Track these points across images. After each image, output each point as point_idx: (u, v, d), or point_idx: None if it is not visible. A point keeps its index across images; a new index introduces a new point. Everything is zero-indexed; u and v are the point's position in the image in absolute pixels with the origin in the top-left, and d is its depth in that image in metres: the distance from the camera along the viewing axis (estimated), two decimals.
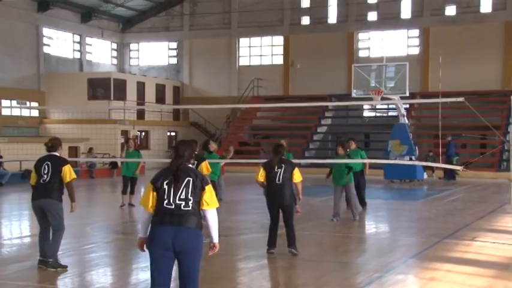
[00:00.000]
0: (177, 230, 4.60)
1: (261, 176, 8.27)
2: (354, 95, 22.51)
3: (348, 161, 11.73)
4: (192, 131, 33.35)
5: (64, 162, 7.54)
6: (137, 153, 14.00)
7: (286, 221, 8.28)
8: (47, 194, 7.42)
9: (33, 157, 20.45)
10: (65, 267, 7.44)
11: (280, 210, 8.31)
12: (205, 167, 10.43)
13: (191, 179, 4.70)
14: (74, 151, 26.91)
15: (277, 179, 8.16)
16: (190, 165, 4.82)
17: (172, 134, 32.89)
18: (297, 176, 8.29)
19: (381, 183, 20.98)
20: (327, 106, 30.32)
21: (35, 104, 29.15)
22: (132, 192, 13.71)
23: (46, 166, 7.43)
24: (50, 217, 7.47)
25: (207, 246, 4.86)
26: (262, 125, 32.08)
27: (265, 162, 8.42)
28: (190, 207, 4.66)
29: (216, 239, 4.85)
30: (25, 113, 29.19)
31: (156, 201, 4.70)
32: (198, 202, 4.71)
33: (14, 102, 28.30)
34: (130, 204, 13.62)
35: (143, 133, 31.12)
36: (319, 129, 30.76)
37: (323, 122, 31.17)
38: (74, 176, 7.52)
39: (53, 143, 7.60)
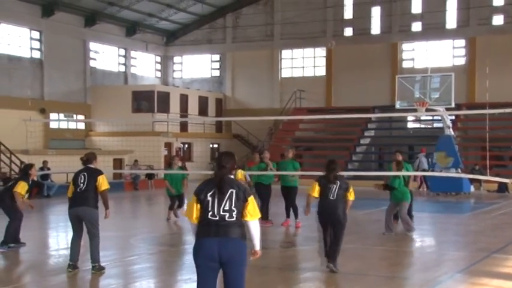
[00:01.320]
0: (222, 241, 4.69)
1: (316, 191, 8.26)
2: (397, 106, 22.25)
3: (398, 173, 11.49)
4: (235, 143, 33.55)
5: (99, 172, 8.04)
6: (181, 169, 14.07)
7: (335, 237, 8.25)
8: (83, 201, 7.84)
9: (79, 169, 20.93)
10: (103, 268, 7.97)
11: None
12: (240, 174, 10.50)
13: (234, 191, 4.79)
14: (118, 163, 27.46)
15: (331, 195, 8.18)
16: (232, 177, 4.90)
17: (215, 146, 33.16)
18: (352, 195, 8.35)
19: (425, 196, 20.60)
20: (370, 118, 30.04)
21: (81, 117, 29.91)
22: (180, 206, 13.67)
23: (82, 176, 7.93)
24: (87, 224, 7.87)
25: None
26: (305, 137, 32.00)
27: (319, 177, 8.42)
28: (234, 218, 4.75)
29: (258, 247, 4.94)
30: (72, 125, 29.98)
31: (201, 213, 4.79)
32: (241, 213, 4.79)
33: (62, 116, 29.10)
34: (176, 216, 13.68)
35: (186, 145, 31.49)
36: (362, 141, 30.47)
37: (366, 133, 30.87)
38: (107, 185, 7.97)
39: (88, 157, 8.14)
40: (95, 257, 7.93)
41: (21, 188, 9.68)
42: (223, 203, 4.75)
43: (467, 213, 16.68)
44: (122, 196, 21.08)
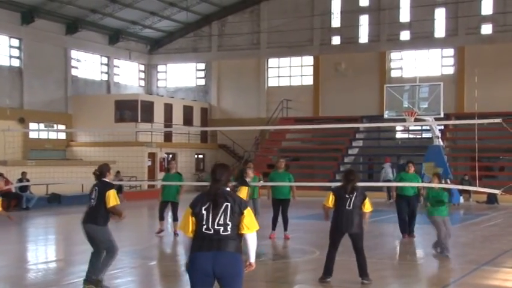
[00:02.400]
0: (216, 254, 4.70)
1: (331, 202, 8.33)
2: (386, 116, 22.39)
3: (402, 184, 11.45)
4: (220, 153, 33.51)
5: (109, 186, 7.87)
6: (178, 176, 13.50)
7: (358, 249, 8.30)
8: (92, 219, 7.76)
9: (59, 180, 20.83)
10: (98, 285, 7.72)
11: (350, 238, 8.36)
12: (244, 192, 10.28)
13: (229, 204, 4.80)
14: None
15: (347, 204, 8.23)
16: (228, 189, 4.92)
17: (200, 156, 33.10)
18: (368, 206, 8.39)
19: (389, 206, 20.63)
20: (358, 128, 30.17)
21: (62, 127, 29.70)
22: (175, 219, 12.98)
23: (94, 191, 7.86)
24: (97, 242, 7.83)
25: None
26: (292, 147, 32.06)
27: (335, 188, 8.50)
28: (229, 232, 4.76)
29: (252, 259, 4.97)
30: (52, 136, 29.72)
31: (195, 226, 4.80)
32: (237, 226, 4.81)
33: (42, 125, 28.88)
34: (176, 234, 12.96)
35: (170, 156, 31.39)
36: (350, 151, 30.58)
37: (354, 143, 30.99)
38: (116, 201, 7.80)
39: (101, 170, 7.98)
40: (97, 270, 7.77)
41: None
42: (218, 216, 4.76)
43: (456, 225, 16.71)
44: None
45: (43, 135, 28.98)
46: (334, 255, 8.36)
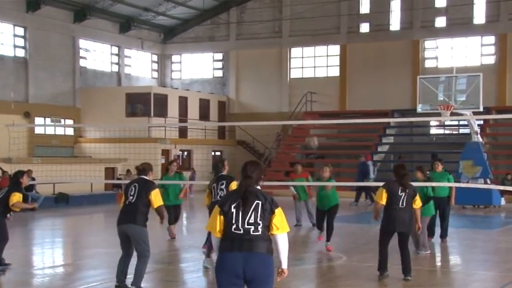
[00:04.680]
0: (247, 256, 4.77)
1: (384, 198, 8.54)
2: (419, 110, 22.21)
3: (428, 184, 11.38)
4: (239, 150, 33.56)
5: (153, 185, 8.01)
6: (178, 176, 13.51)
7: (404, 249, 8.67)
8: (131, 218, 7.81)
9: (67, 179, 21.03)
10: None
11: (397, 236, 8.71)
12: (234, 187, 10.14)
13: (260, 202, 4.87)
14: (110, 172, 27.50)
15: (400, 203, 8.44)
16: (259, 187, 4.99)
17: (217, 153, 33.19)
18: (418, 202, 8.68)
19: (451, 209, 20.48)
20: (389, 123, 29.97)
21: (69, 122, 29.98)
22: (175, 220, 13.19)
23: (133, 188, 7.93)
24: (134, 243, 7.89)
25: None
26: (316, 144, 31.95)
27: (387, 184, 8.69)
28: (259, 232, 4.82)
29: (285, 265, 5.01)
30: (59, 131, 30.01)
31: (224, 226, 4.86)
32: (267, 226, 4.87)
33: (48, 120, 29.18)
34: (173, 238, 13.18)
35: (185, 153, 31.52)
36: (380, 148, 30.42)
37: (384, 140, 30.81)
38: (161, 202, 7.99)
39: (144, 167, 8.14)
40: (136, 279, 7.89)
41: (17, 199, 9.56)
42: (248, 215, 4.83)
43: (497, 229, 16.59)
44: (114, 209, 21.07)
45: (50, 130, 29.27)
46: (386, 252, 8.74)
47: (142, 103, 30.30)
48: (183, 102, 32.04)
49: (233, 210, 4.84)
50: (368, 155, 25.03)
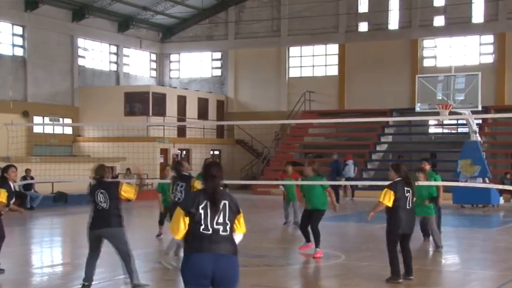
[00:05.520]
0: (217, 257, 4.78)
1: (391, 200, 8.32)
2: (418, 109, 22.22)
3: (427, 183, 11.39)
4: (237, 149, 33.56)
5: (116, 183, 8.29)
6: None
7: (406, 248, 8.64)
8: (107, 222, 8.06)
9: (66, 178, 21.03)
10: (148, 285, 8.34)
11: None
12: (198, 185, 9.57)
13: (227, 202, 4.91)
14: (109, 171, 27.45)
15: (407, 203, 8.35)
16: (221, 187, 5.02)
17: (216, 152, 33.18)
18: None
19: (449, 208, 20.53)
20: (388, 122, 29.98)
21: (68, 121, 29.96)
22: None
23: (101, 194, 8.09)
24: (116, 245, 8.11)
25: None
26: (315, 143, 31.98)
27: (392, 184, 8.46)
28: (228, 232, 4.88)
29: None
30: (58, 130, 29.98)
31: (191, 227, 4.85)
32: (232, 226, 4.93)
33: (47, 119, 29.15)
34: (160, 235, 13.37)
35: (184, 152, 31.51)
36: (378, 148, 30.43)
37: (383, 139, 30.83)
38: (132, 191, 8.23)
39: (101, 174, 8.30)
40: (133, 277, 8.14)
41: (1, 196, 9.44)
42: (217, 215, 4.84)
43: (496, 228, 16.61)
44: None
45: (48, 129, 29.24)
46: (397, 254, 8.57)
47: (140, 102, 30.29)
48: (181, 101, 32.03)
49: (201, 211, 4.83)
50: (349, 155, 25.25)
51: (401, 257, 8.70)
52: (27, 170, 21.40)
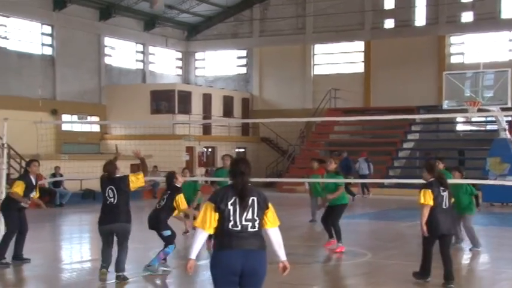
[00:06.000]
0: (246, 253, 4.80)
1: (431, 198, 8.08)
2: (445, 106, 22.00)
3: (459, 181, 11.24)
4: (262, 147, 33.56)
5: (125, 176, 8.64)
6: (193, 185, 13.63)
7: (447, 253, 8.28)
8: (117, 218, 8.44)
9: (93, 175, 21.19)
10: (128, 278, 8.60)
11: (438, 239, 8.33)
12: (181, 202, 9.33)
13: (255, 198, 4.91)
14: (136, 169, 27.62)
15: (443, 203, 8.16)
16: (250, 184, 5.02)
17: (241, 150, 33.22)
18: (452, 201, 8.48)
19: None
20: (414, 119, 29.73)
21: (95, 119, 30.26)
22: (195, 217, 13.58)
23: (110, 191, 8.46)
24: (121, 238, 8.56)
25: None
26: (340, 141, 31.83)
27: (430, 183, 8.24)
28: (256, 228, 4.88)
29: (284, 257, 5.03)
30: (86, 128, 30.35)
31: (219, 223, 4.85)
32: (261, 222, 4.93)
33: (75, 117, 29.48)
34: (194, 229, 13.60)
35: (209, 149, 31.62)
36: (405, 145, 30.19)
37: (410, 136, 30.57)
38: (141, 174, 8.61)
39: (110, 171, 8.64)
40: (121, 267, 8.54)
41: (17, 186, 9.66)
42: (246, 212, 4.85)
43: None
44: (141, 205, 21.27)
45: (76, 127, 29.61)
46: (431, 257, 8.34)
47: (166, 100, 30.46)
48: (206, 99, 32.14)
49: (230, 207, 4.84)
50: (364, 153, 25.04)
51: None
52: (56, 168, 21.68)
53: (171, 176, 9.54)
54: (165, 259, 9.28)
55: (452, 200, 8.49)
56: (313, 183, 14.78)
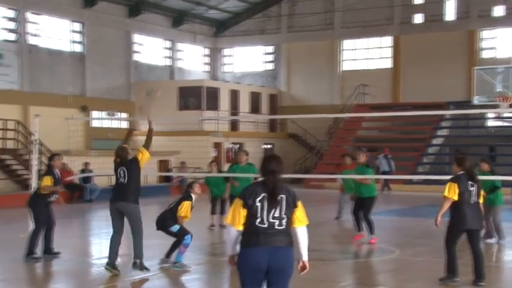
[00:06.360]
0: (272, 250, 4.80)
1: (456, 194, 7.94)
2: (475, 102, 21.75)
3: (489, 177, 11.11)
4: (290, 143, 33.52)
5: (134, 157, 8.91)
6: (221, 179, 13.83)
7: (476, 248, 8.11)
8: (124, 196, 8.65)
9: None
10: (148, 269, 8.68)
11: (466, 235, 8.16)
12: (185, 209, 9.17)
13: (284, 196, 4.91)
14: (164, 165, 27.88)
15: (472, 198, 8.02)
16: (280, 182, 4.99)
17: (269, 146, 33.22)
18: (483, 197, 8.29)
19: (510, 203, 19.99)
20: (444, 115, 29.38)
21: (124, 115, 30.54)
22: (222, 212, 13.60)
23: (122, 171, 8.76)
24: (130, 221, 8.69)
25: None
26: (369, 137, 31.63)
27: (458, 177, 8.08)
28: (284, 226, 4.87)
29: (306, 257, 5.04)
30: (115, 124, 30.62)
31: (246, 219, 4.86)
32: (290, 220, 4.92)
33: (104, 113, 29.80)
34: (222, 226, 13.53)
35: (237, 145, 31.69)
36: (434, 141, 29.86)
37: (439, 132, 30.22)
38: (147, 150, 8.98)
39: (121, 155, 8.96)
40: (138, 254, 8.68)
41: (46, 181, 9.89)
42: (274, 209, 4.85)
43: None
44: (167, 201, 21.45)
45: (105, 123, 29.91)
46: (455, 252, 8.14)
47: (194, 96, 30.58)
48: (234, 95, 32.19)
49: (258, 204, 4.84)
50: (386, 149, 24.74)
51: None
52: (86, 163, 21.94)
53: (189, 186, 9.61)
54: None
55: (482, 193, 8.31)
56: (346, 179, 14.68)
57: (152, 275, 8.77)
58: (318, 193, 24.31)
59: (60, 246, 10.43)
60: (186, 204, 9.18)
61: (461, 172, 8.08)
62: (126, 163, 8.81)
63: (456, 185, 7.96)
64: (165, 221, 9.21)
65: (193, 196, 9.38)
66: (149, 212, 14.72)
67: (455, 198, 7.94)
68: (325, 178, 23.08)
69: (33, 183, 10.80)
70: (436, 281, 8.36)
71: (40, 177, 10.42)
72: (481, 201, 8.18)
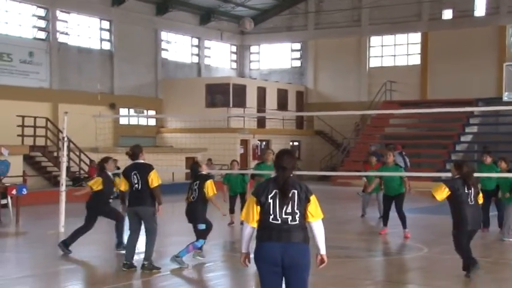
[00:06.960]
0: (285, 246, 4.84)
1: (444, 195, 8.14)
2: (505, 98, 21.43)
3: (498, 175, 11.11)
4: (317, 140, 33.42)
5: (150, 168, 8.81)
6: (241, 177, 14.02)
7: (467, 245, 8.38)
8: (141, 201, 8.70)
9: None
10: (159, 268, 8.73)
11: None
12: (210, 188, 9.29)
13: (296, 191, 4.92)
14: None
15: (469, 199, 8.15)
16: (292, 176, 5.00)
17: (295, 143, 33.17)
18: (481, 197, 8.39)
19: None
20: (473, 112, 29.01)
21: (152, 112, 30.78)
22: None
23: (135, 176, 8.73)
24: (145, 222, 8.80)
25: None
26: (396, 134, 31.35)
27: (452, 180, 8.26)
28: (297, 221, 4.89)
29: (323, 251, 5.03)
30: (142, 122, 30.90)
31: (261, 216, 4.92)
32: (303, 215, 4.92)
33: (132, 111, 30.06)
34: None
35: (264, 143, 31.70)
36: (463, 138, 29.50)
37: (468, 129, 29.85)
38: (158, 182, 8.72)
39: (134, 151, 8.98)
40: (148, 255, 8.77)
41: (93, 183, 10.28)
42: (286, 205, 4.88)
43: None
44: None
45: (133, 121, 30.17)
46: (469, 248, 8.29)
47: (221, 93, 30.67)
48: (261, 92, 32.20)
49: (270, 200, 4.88)
50: (398, 146, 24.33)
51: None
52: (114, 161, 22.05)
53: (195, 166, 9.60)
54: (200, 248, 9.34)
55: (481, 195, 8.40)
56: (370, 178, 14.63)
57: (178, 268, 8.86)
58: (345, 190, 24.20)
59: (90, 242, 10.58)
60: (209, 184, 9.25)
61: (457, 176, 8.21)
62: (139, 167, 8.83)
63: (447, 189, 8.12)
64: (197, 216, 9.20)
65: (206, 173, 9.54)
66: (178, 209, 14.82)
67: (440, 199, 8.12)
68: (352, 175, 22.93)
69: (63, 180, 10.93)
70: (464, 279, 8.28)
71: (88, 180, 10.86)
72: (480, 201, 8.31)
